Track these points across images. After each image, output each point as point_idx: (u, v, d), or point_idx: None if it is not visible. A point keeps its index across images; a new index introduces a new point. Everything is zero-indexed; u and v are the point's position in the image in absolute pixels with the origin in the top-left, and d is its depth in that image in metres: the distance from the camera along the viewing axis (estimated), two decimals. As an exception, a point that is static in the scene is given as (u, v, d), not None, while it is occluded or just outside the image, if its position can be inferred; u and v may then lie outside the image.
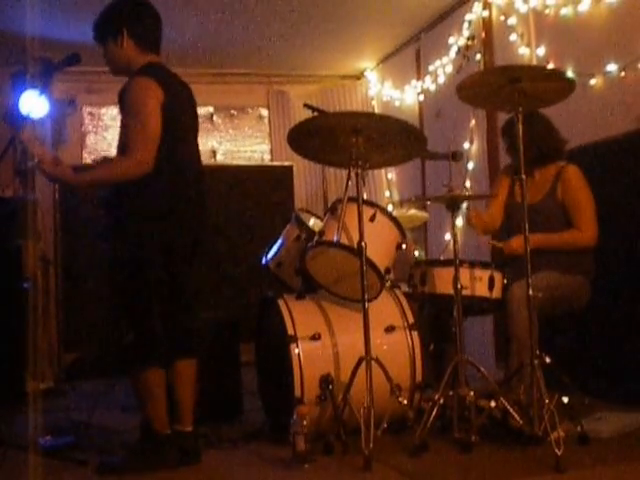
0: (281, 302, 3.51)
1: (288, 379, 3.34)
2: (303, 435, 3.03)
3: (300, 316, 3.45)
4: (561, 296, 3.63)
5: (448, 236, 5.19)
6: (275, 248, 3.87)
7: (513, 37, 4.97)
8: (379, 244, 3.35)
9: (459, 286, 3.36)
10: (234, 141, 7.25)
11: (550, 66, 4.53)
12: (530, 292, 3.12)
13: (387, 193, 6.97)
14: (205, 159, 6.80)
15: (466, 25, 5.43)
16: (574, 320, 3.82)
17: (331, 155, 3.47)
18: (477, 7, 5.32)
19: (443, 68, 5.78)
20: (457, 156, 3.81)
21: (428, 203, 5.46)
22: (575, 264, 3.72)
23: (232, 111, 7.25)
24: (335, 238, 3.28)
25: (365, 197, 3.35)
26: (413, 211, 4.61)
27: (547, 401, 2.97)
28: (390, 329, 3.50)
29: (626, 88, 4.10)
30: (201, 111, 6.87)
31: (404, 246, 3.50)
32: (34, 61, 4.56)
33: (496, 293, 3.51)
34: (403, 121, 3.33)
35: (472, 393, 3.22)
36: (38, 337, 5.06)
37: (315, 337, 3.39)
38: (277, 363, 3.53)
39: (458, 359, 3.31)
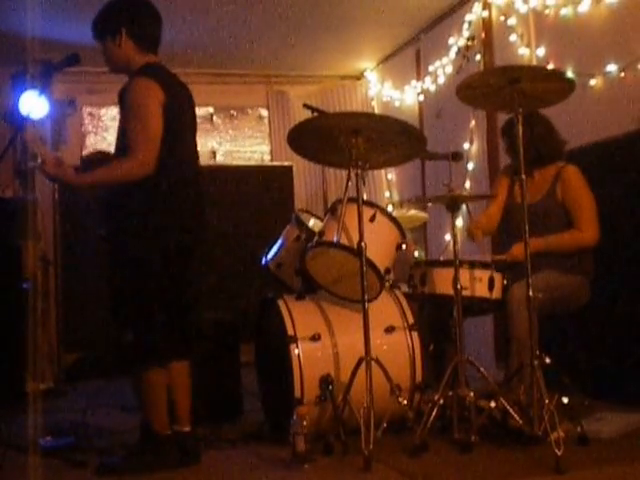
0: (281, 302, 3.52)
1: (288, 379, 3.34)
2: (303, 435, 3.03)
3: (300, 316, 3.45)
4: (561, 296, 3.63)
5: (448, 236, 5.19)
6: (275, 248, 3.87)
7: (513, 37, 4.97)
8: (379, 244, 3.35)
9: (459, 286, 3.36)
10: (234, 141, 7.26)
11: (550, 66, 4.53)
12: (530, 293, 3.13)
13: (387, 193, 6.97)
14: (205, 159, 6.89)
15: (466, 25, 5.44)
16: (574, 320, 3.82)
17: (331, 155, 3.47)
18: (477, 7, 5.32)
19: (443, 68, 5.78)
20: (457, 156, 3.82)
21: (428, 204, 5.46)
22: (575, 264, 3.72)
23: (232, 111, 7.26)
24: (335, 238, 3.28)
25: (365, 197, 3.35)
26: (413, 211, 4.61)
27: (547, 401, 2.97)
28: (390, 329, 3.50)
29: (626, 88, 4.10)
30: (201, 111, 6.97)
31: (404, 246, 3.50)
32: (34, 62, 4.56)
33: (496, 293, 3.51)
34: (403, 121, 3.33)
35: (472, 393, 3.22)
36: (38, 337, 5.06)
37: (315, 337, 3.40)
38: (277, 363, 3.53)
39: (458, 359, 3.31)
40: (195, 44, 6.11)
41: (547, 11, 4.63)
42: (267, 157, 7.24)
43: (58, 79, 3.64)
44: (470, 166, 5.45)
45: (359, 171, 3.27)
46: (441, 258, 3.94)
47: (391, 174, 6.94)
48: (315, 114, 3.92)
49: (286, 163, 6.60)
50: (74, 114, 6.70)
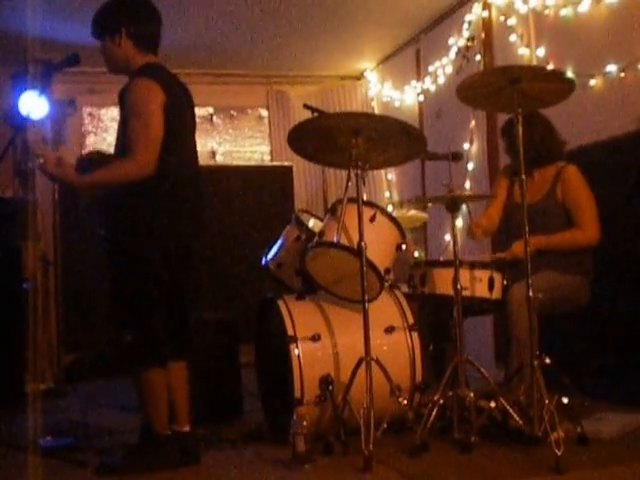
0: (281, 303, 3.51)
1: (288, 380, 3.34)
2: (303, 436, 3.03)
3: (300, 317, 3.45)
4: (561, 296, 3.63)
5: (448, 237, 5.19)
6: (275, 249, 3.87)
7: (513, 38, 4.97)
8: (379, 245, 3.35)
9: (459, 287, 3.36)
10: (234, 142, 7.25)
11: (550, 67, 4.53)
12: (530, 293, 3.12)
13: (387, 194, 6.97)
14: (205, 160, 6.90)
15: (466, 26, 5.44)
16: (574, 320, 3.82)
17: (331, 156, 3.47)
18: (477, 8, 5.32)
19: (443, 69, 5.78)
20: (457, 157, 3.82)
21: (428, 204, 5.46)
22: (575, 264, 3.72)
23: (232, 112, 7.25)
24: (335, 239, 3.27)
25: (365, 198, 3.35)
26: (413, 212, 4.61)
27: (547, 402, 2.97)
28: (390, 330, 3.50)
29: (626, 89, 4.10)
30: (201, 112, 6.97)
31: (404, 247, 3.49)
32: (34, 62, 4.57)
33: (496, 294, 3.51)
34: (403, 122, 3.33)
35: (472, 394, 3.22)
36: (38, 338, 5.06)
37: (315, 338, 3.40)
38: (277, 364, 3.53)
39: (458, 360, 3.31)
40: (195, 44, 6.11)
41: (547, 11, 4.63)
42: (267, 157, 7.24)
43: (58, 79, 3.65)
44: (470, 166, 5.45)
45: (359, 171, 3.27)
46: (441, 258, 3.95)
47: (391, 174, 6.94)
48: (315, 114, 3.92)
49: (286, 163, 6.60)
50: (74, 114, 6.69)
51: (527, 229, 3.13)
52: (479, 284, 3.50)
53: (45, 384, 5.10)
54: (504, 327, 3.62)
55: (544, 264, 3.60)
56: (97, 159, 3.20)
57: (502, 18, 5.10)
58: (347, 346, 3.40)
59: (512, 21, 4.98)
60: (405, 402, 3.32)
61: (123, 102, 3.14)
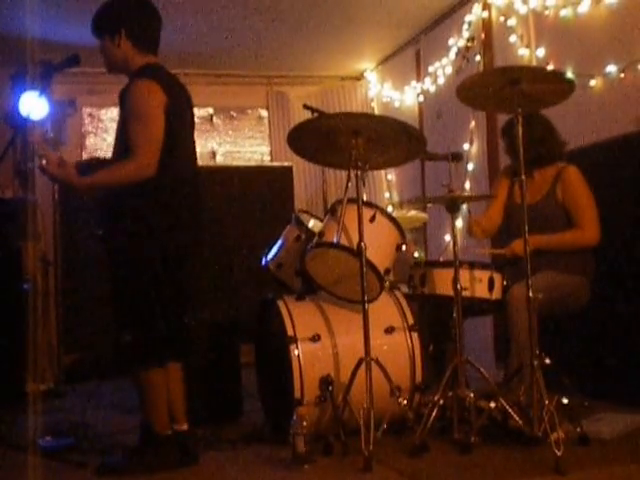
0: (281, 303, 3.51)
1: (288, 380, 3.34)
2: (303, 436, 3.03)
3: (300, 317, 3.45)
4: (561, 296, 3.63)
5: (448, 237, 5.19)
6: (275, 249, 3.87)
7: (513, 38, 4.97)
8: (379, 245, 3.35)
9: (459, 287, 3.36)
10: (234, 142, 7.25)
11: (550, 67, 4.53)
12: (530, 293, 3.12)
13: (387, 194, 6.97)
14: (205, 160, 6.90)
15: (466, 26, 5.44)
16: (574, 321, 3.82)
17: (331, 156, 3.47)
18: (477, 8, 5.32)
19: (443, 69, 5.78)
20: (457, 157, 3.82)
21: (428, 204, 5.46)
22: (575, 264, 3.72)
23: (232, 112, 7.26)
24: (335, 239, 3.28)
25: (365, 198, 3.35)
26: (413, 212, 4.61)
27: (547, 402, 2.97)
28: (390, 330, 3.50)
29: (626, 89, 4.10)
30: (201, 112, 6.98)
31: (404, 247, 3.49)
32: (34, 62, 4.56)
33: (496, 294, 3.52)
34: (403, 122, 3.33)
35: (472, 394, 3.23)
36: (38, 338, 5.06)
37: (315, 338, 3.40)
38: (277, 364, 3.53)
39: (458, 360, 3.31)
40: (195, 45, 6.11)
41: (547, 12, 4.63)
42: (267, 158, 7.24)
43: (58, 80, 3.63)
44: (470, 167, 5.46)
45: (359, 172, 3.27)
46: (441, 259, 3.95)
47: (391, 175, 6.95)
48: (315, 115, 3.92)
49: (286, 164, 6.60)
50: (74, 115, 6.70)
51: (527, 229, 3.13)
52: (479, 284, 3.51)
53: (45, 384, 5.10)
54: (504, 327, 3.62)
55: (544, 264, 3.60)
56: (96, 165, 3.20)
57: (502, 18, 5.10)
58: (347, 346, 3.40)
59: (512, 21, 4.98)
60: (405, 402, 3.32)
61: (123, 103, 3.14)
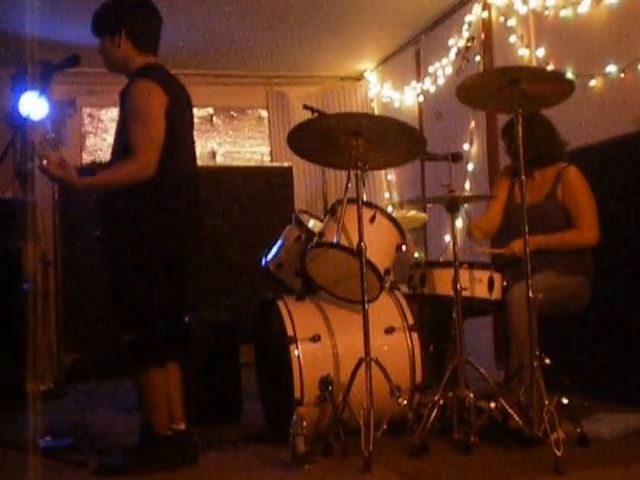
0: (281, 303, 3.51)
1: (288, 380, 3.34)
2: (303, 436, 3.03)
3: (300, 317, 3.45)
4: (561, 297, 3.63)
5: (448, 237, 5.19)
6: (275, 249, 3.87)
7: (513, 38, 4.97)
8: (379, 245, 3.35)
9: (459, 287, 3.36)
10: (234, 142, 7.25)
11: (550, 67, 4.54)
12: (530, 293, 3.13)
13: (387, 194, 6.97)
14: (205, 160, 6.90)
15: (466, 26, 5.44)
16: (574, 321, 3.82)
17: (331, 156, 3.47)
18: (477, 8, 5.32)
19: (443, 69, 5.78)
20: (457, 157, 3.82)
21: (428, 205, 5.46)
22: (575, 264, 3.72)
23: (232, 112, 7.26)
24: (335, 239, 3.27)
25: (365, 198, 3.35)
26: (413, 212, 4.61)
27: (547, 402, 2.97)
28: (390, 330, 3.50)
29: (626, 89, 4.10)
30: (201, 112, 6.98)
31: (404, 247, 3.49)
32: (34, 63, 4.56)
33: (496, 294, 3.52)
34: (403, 122, 3.33)
35: (472, 394, 3.22)
36: (38, 338, 5.06)
37: (315, 338, 3.39)
38: (277, 364, 3.52)
39: (458, 360, 3.31)
40: (195, 45, 6.11)
41: (547, 12, 4.63)
42: (267, 158, 7.24)
43: (58, 80, 3.63)
44: (470, 167, 5.46)
45: (359, 172, 3.27)
46: (441, 259, 3.95)
47: (391, 175, 6.95)
48: (315, 115, 3.92)
49: (286, 164, 6.60)
50: (74, 115, 6.70)
51: (527, 229, 3.13)
52: (479, 285, 3.51)
53: (45, 384, 5.09)
54: (504, 328, 3.62)
55: (544, 264, 3.59)
56: (97, 169, 3.20)
57: (502, 19, 5.10)
58: (347, 347, 3.40)
59: (512, 22, 4.98)
60: (405, 403, 3.32)
61: (123, 103, 3.14)
